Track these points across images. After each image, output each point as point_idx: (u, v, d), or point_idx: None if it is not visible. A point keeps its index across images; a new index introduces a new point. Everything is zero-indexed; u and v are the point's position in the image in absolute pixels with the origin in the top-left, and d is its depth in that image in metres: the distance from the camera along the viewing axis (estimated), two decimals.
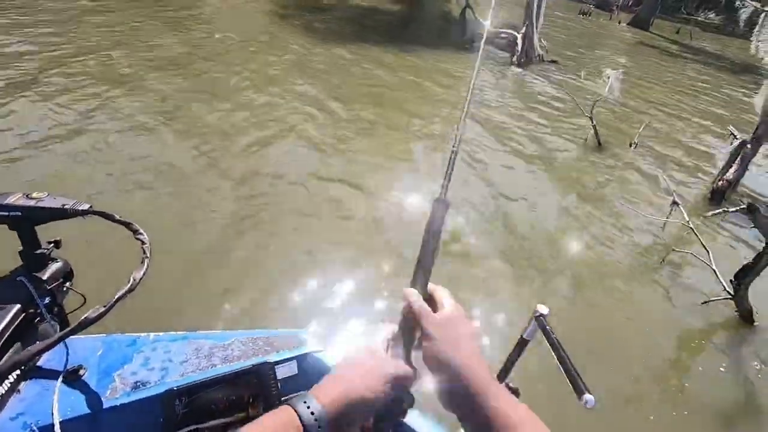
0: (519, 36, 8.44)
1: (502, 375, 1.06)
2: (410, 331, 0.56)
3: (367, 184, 3.34)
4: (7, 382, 0.99)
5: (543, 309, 0.96)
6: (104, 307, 0.82)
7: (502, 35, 8.84)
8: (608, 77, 7.70)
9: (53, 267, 1.14)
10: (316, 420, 0.47)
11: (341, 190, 3.24)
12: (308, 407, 0.47)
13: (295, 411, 0.47)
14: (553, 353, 0.89)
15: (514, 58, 8.43)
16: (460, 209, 3.20)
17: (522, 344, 1.01)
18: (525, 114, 5.74)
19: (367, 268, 2.51)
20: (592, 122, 5.13)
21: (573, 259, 2.97)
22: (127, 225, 1.06)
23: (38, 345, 0.74)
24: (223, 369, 1.11)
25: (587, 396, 0.76)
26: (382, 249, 2.68)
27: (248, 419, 1.01)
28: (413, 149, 4.18)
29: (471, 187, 3.62)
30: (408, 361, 0.55)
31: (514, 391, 1.11)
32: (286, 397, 1.16)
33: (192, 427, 0.95)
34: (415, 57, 7.46)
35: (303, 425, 0.46)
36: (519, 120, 5.48)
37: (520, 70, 8.10)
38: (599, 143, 5.20)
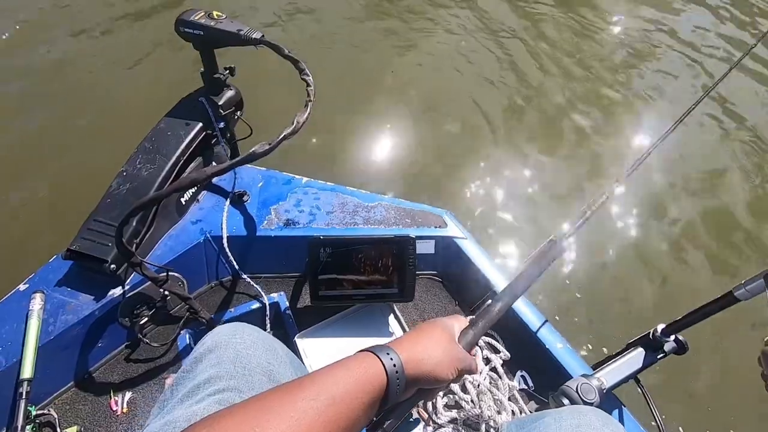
0: None
1: (679, 325, 0.87)
2: (480, 328, 0.61)
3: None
4: (190, 191, 1.12)
5: None
6: (269, 144, 0.80)
7: None
8: None
9: (227, 94, 1.19)
10: (398, 378, 0.47)
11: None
12: (393, 363, 0.47)
13: (382, 363, 0.47)
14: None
15: None
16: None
17: (728, 301, 0.78)
18: None
19: (542, 171, 2.23)
20: None
21: None
22: (295, 62, 1.00)
23: (213, 167, 0.77)
24: (364, 230, 1.11)
25: None
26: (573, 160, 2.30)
27: (384, 283, 1.02)
28: None
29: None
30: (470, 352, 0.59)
31: (682, 344, 0.93)
32: (417, 273, 1.14)
33: (332, 276, 0.99)
34: None
35: (387, 379, 0.46)
36: None
37: None
38: None
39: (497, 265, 1.15)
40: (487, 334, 1.08)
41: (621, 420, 0.91)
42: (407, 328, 1.07)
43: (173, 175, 1.03)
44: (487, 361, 1.04)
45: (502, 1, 3.19)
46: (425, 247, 1.13)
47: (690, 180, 2.27)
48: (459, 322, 0.59)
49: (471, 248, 1.15)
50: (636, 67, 2.86)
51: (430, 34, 2.88)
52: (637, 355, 0.91)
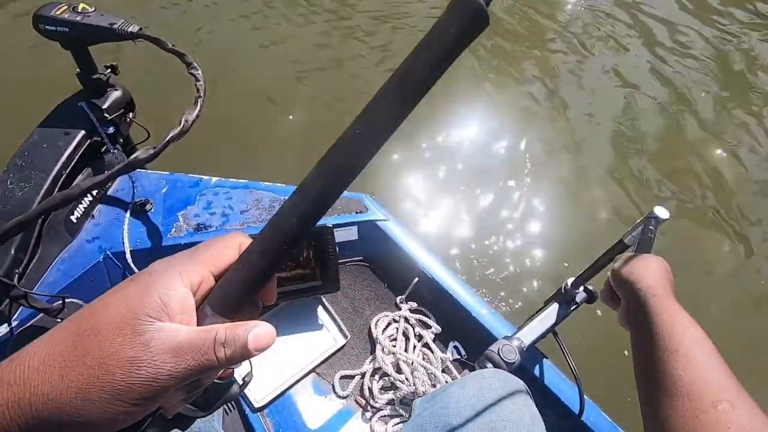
0: None
1: (585, 276, 0.93)
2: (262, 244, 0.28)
3: None
4: (81, 206, 1.02)
5: (661, 212, 0.76)
6: (153, 149, 0.74)
7: None
8: None
9: (113, 95, 1.08)
10: None
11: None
12: None
13: None
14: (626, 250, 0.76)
15: None
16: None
17: (620, 248, 0.84)
18: None
19: (457, 139, 2.27)
20: None
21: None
22: (181, 56, 0.92)
23: (89, 180, 0.69)
24: None
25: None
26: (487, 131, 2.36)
27: (307, 277, 1.00)
28: None
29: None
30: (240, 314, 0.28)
31: (591, 293, 1.00)
32: (342, 261, 1.13)
33: None
34: None
35: None
36: None
37: None
38: None
39: (421, 241, 1.17)
40: (417, 311, 1.10)
41: (542, 372, 0.96)
42: (338, 319, 1.06)
43: (56, 192, 0.92)
44: (420, 337, 1.06)
45: None
46: (348, 234, 1.12)
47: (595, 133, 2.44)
48: (209, 254, 0.28)
49: (394, 229, 1.15)
50: None
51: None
52: (552, 310, 0.96)
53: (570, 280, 0.97)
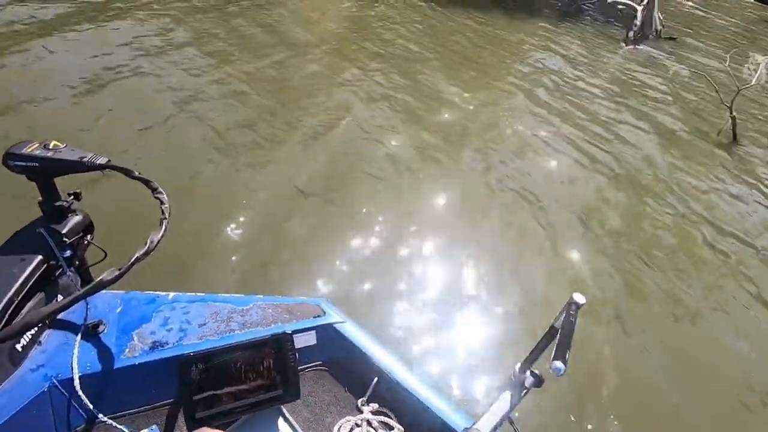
0: (639, 8, 6.86)
1: (529, 361, 1.01)
2: None
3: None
4: (28, 334, 0.99)
5: (579, 298, 0.90)
6: (119, 270, 0.78)
7: (619, 5, 7.48)
8: (758, 63, 5.40)
9: (73, 220, 1.12)
10: None
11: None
12: None
13: None
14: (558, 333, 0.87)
15: (630, 33, 6.89)
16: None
17: (553, 333, 0.95)
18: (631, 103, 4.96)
19: (402, 241, 2.44)
20: (731, 113, 4.39)
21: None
22: (146, 182, 1.01)
23: (51, 306, 0.71)
24: (241, 335, 1.09)
25: (558, 363, 0.78)
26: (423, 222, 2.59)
27: (267, 387, 1.00)
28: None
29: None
30: None
31: (538, 377, 1.07)
32: (302, 367, 1.14)
33: (209, 393, 0.94)
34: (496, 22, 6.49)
35: None
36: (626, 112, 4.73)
37: (631, 47, 6.71)
38: (734, 137, 4.43)
39: (380, 341, 1.21)
40: (379, 413, 1.10)
41: None
42: (299, 430, 1.04)
43: (4, 321, 0.91)
44: None
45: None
46: (306, 339, 1.14)
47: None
48: None
49: (352, 330, 1.19)
50: None
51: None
52: (505, 398, 1.01)
53: (517, 366, 1.04)
